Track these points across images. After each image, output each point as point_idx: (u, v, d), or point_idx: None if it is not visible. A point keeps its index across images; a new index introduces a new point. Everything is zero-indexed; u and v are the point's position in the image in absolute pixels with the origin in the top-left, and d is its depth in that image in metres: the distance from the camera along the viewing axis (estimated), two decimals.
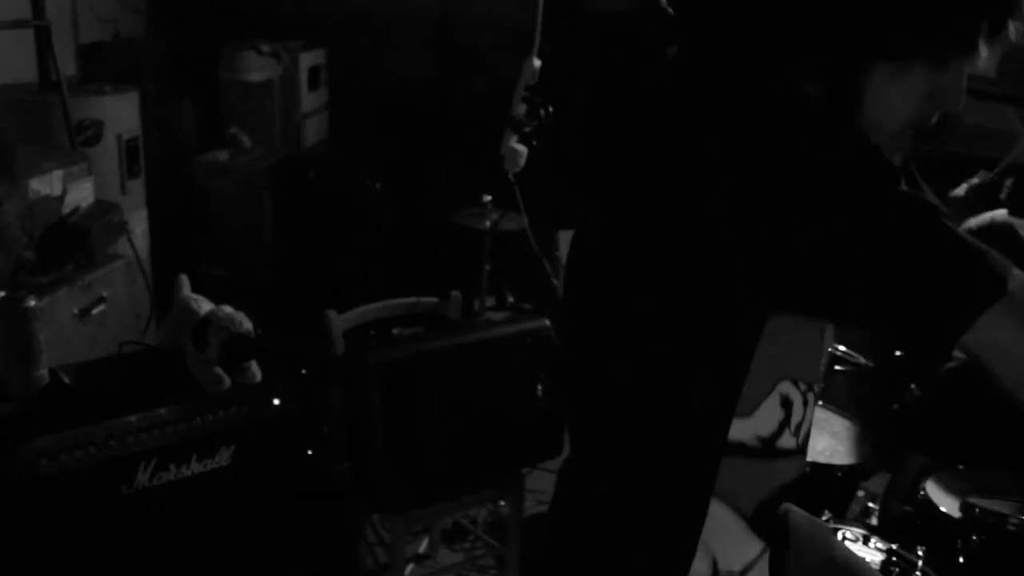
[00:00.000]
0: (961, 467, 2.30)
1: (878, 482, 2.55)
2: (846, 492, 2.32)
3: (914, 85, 0.85)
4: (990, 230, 2.64)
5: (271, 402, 1.83)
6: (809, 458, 2.22)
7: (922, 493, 2.18)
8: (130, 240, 2.89)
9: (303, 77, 3.94)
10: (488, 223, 2.88)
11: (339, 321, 2.31)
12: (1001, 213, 2.66)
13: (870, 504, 2.46)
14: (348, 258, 3.56)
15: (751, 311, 0.85)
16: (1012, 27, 0.85)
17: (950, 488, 2.18)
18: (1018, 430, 2.41)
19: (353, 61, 4.17)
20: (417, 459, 2.16)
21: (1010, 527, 1.91)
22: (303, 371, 1.96)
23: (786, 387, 0.94)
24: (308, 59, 3.99)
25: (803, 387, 0.96)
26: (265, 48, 3.83)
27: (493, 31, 3.66)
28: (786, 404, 0.95)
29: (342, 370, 2.17)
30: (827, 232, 0.78)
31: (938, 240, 0.78)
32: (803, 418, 0.97)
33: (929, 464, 2.37)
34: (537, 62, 2.20)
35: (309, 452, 1.98)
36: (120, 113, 3.13)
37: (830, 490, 2.26)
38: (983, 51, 0.86)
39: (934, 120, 0.89)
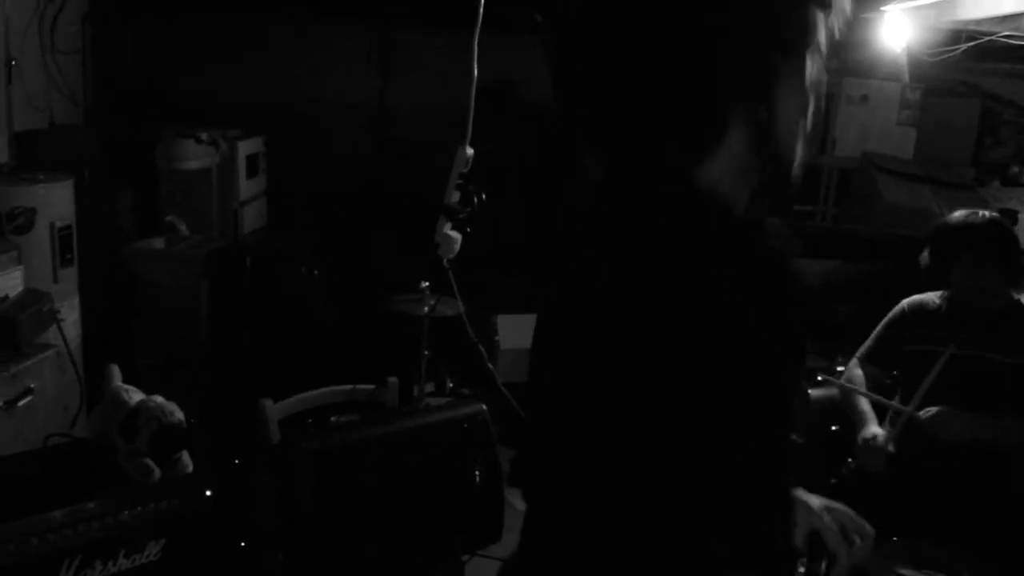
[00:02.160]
0: (895, 539, 2.33)
1: (816, 564, 2.56)
2: (788, 566, 2.33)
3: (801, 82, 0.92)
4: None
5: (203, 493, 1.79)
6: None
7: (858, 566, 2.21)
8: (60, 329, 2.83)
9: (241, 165, 3.96)
10: (425, 309, 2.90)
11: (275, 410, 2.29)
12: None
13: None
14: (286, 346, 3.53)
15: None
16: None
17: (884, 560, 2.20)
18: (951, 502, 2.47)
19: (291, 149, 4.22)
20: (353, 548, 2.12)
21: None
22: (236, 461, 1.93)
23: None
24: (247, 147, 4.02)
25: None
26: (203, 136, 3.85)
27: (428, 121, 3.75)
28: None
29: (277, 459, 2.14)
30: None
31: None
32: None
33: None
34: (470, 151, 2.26)
35: (242, 544, 1.93)
36: (53, 201, 3.10)
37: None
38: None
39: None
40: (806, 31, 0.91)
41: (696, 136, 0.90)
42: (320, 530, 2.14)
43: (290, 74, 4.35)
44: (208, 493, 1.80)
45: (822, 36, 0.93)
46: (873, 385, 2.83)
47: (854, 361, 2.89)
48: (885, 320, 2.79)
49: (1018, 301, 2.60)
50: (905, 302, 2.76)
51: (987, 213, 2.62)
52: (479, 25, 2.27)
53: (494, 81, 3.86)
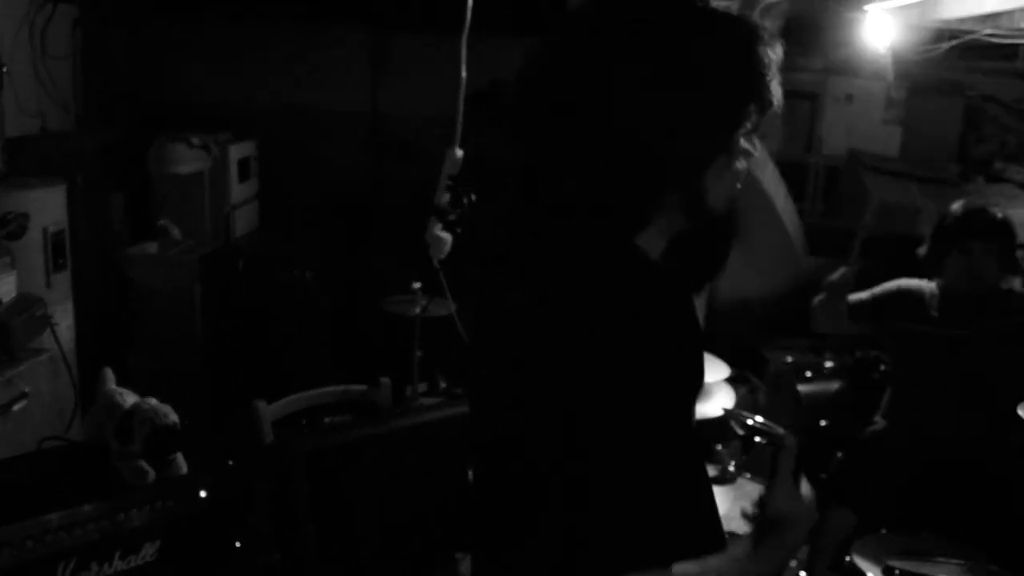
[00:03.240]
0: (884, 531, 2.37)
1: (803, 549, 2.59)
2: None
3: (732, 166, 1.03)
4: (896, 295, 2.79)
5: (197, 494, 1.81)
6: (738, 531, 2.28)
7: (848, 559, 2.24)
8: (54, 334, 2.85)
9: (233, 169, 3.98)
10: (418, 309, 2.92)
11: (268, 411, 2.31)
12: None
13: (802, 573, 2.49)
14: (279, 347, 3.55)
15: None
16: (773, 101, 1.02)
17: (874, 552, 2.24)
18: (941, 493, 2.50)
19: (283, 152, 4.23)
20: (348, 548, 2.14)
21: None
22: (230, 462, 1.95)
23: None
24: (238, 151, 4.04)
25: None
26: (195, 140, 3.87)
27: (421, 124, 3.77)
28: None
29: (270, 460, 2.16)
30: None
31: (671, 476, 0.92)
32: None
33: (854, 529, 2.44)
34: (459, 152, 2.29)
35: (237, 544, 1.95)
36: (46, 206, 3.11)
37: None
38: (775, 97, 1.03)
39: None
40: (740, 126, 1.00)
41: (639, 214, 1.00)
42: (315, 530, 2.16)
43: (282, 78, 4.36)
44: (203, 494, 1.82)
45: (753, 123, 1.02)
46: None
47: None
48: (876, 289, 2.83)
49: (1009, 290, 2.66)
50: (897, 281, 2.82)
51: (992, 207, 2.68)
52: (467, 28, 2.30)
53: (487, 83, 3.89)
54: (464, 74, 2.32)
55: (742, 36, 1.01)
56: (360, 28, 4.27)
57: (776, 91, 1.02)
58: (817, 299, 2.88)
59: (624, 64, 0.96)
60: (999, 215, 2.65)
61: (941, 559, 2.13)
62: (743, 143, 1.02)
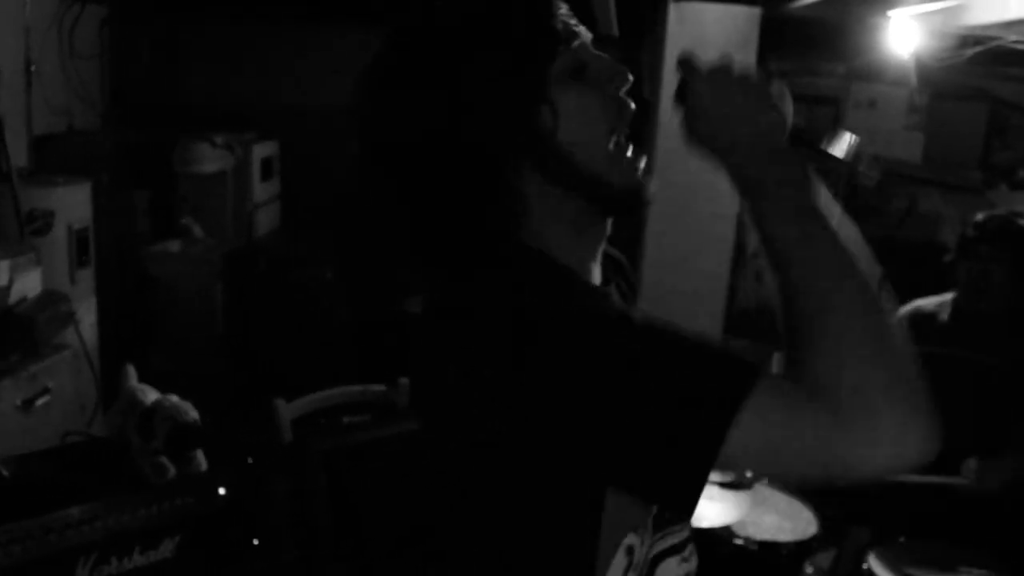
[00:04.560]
0: (902, 539, 2.35)
1: (824, 558, 2.58)
2: (792, 569, 2.35)
3: (588, 96, 0.92)
4: None
5: (217, 491, 1.83)
6: (756, 536, 2.27)
7: (865, 566, 2.23)
8: (78, 330, 2.89)
9: (256, 168, 4.01)
10: None
11: (287, 410, 2.32)
12: None
13: None
14: (299, 346, 3.57)
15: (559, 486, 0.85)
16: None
17: (891, 560, 2.23)
18: (952, 501, 2.48)
19: (305, 153, 4.26)
20: (366, 547, 2.16)
21: None
22: (249, 460, 1.96)
23: (631, 538, 0.95)
24: (261, 150, 4.07)
25: (641, 531, 0.97)
26: (218, 140, 3.90)
27: None
28: (630, 552, 0.95)
29: (289, 458, 2.18)
30: (558, 384, 0.78)
31: (666, 358, 0.77)
32: (643, 555, 0.98)
33: (872, 538, 2.42)
34: None
35: (256, 542, 1.96)
36: (71, 203, 3.15)
37: (777, 568, 2.29)
38: (579, 27, 0.94)
39: (629, 115, 0.95)
40: (542, 54, 0.90)
41: (496, 211, 0.91)
42: (332, 529, 2.17)
43: (307, 78, 4.38)
44: (222, 491, 1.83)
45: (586, 51, 0.93)
46: None
47: None
48: None
49: (1018, 309, 2.62)
50: (904, 309, 2.79)
51: (1019, 217, 2.64)
52: None
53: None
54: None
55: None
56: (383, 28, 4.29)
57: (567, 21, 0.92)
58: None
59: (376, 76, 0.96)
60: (1019, 227, 2.58)
61: (961, 569, 2.12)
62: (580, 90, 0.91)
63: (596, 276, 0.99)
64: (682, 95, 0.93)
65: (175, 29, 4.25)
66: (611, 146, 0.93)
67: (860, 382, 0.72)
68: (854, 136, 0.94)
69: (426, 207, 0.93)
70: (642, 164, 0.96)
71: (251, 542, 1.95)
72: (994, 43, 3.39)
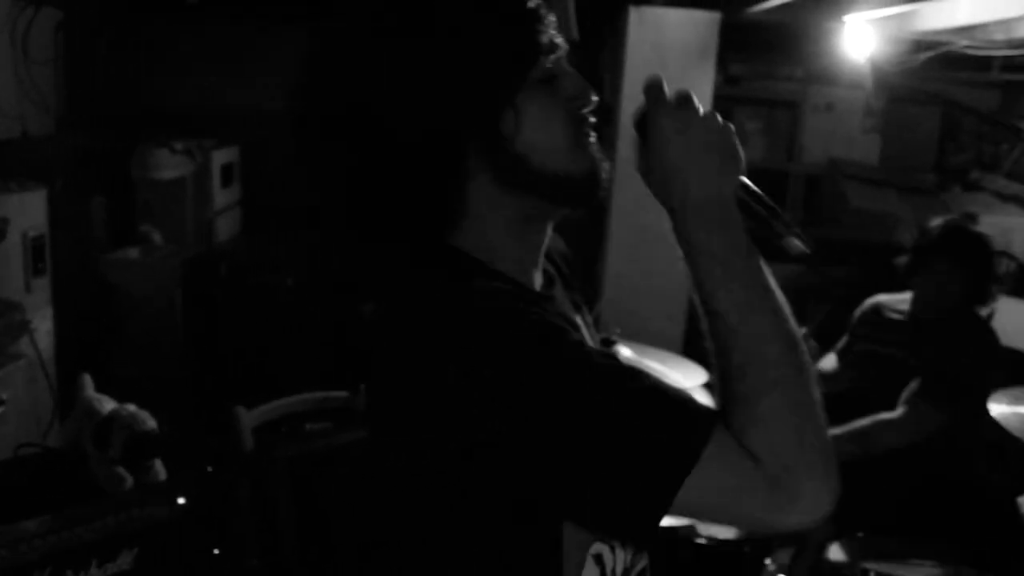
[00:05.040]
0: (861, 534, 2.39)
1: (785, 554, 2.61)
2: (754, 566, 2.37)
3: (552, 109, 0.91)
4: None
5: (176, 501, 1.80)
6: (716, 534, 2.29)
7: (826, 561, 2.26)
8: (33, 340, 2.83)
9: (216, 174, 3.97)
10: None
11: (248, 417, 2.30)
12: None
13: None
14: (261, 353, 3.54)
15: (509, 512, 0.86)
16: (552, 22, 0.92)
17: (851, 555, 2.26)
18: (910, 496, 2.53)
19: (266, 158, 4.22)
20: (330, 554, 2.14)
21: None
22: (210, 468, 1.94)
23: (597, 547, 0.94)
24: (221, 156, 4.03)
25: (611, 541, 0.96)
26: (178, 146, 3.86)
27: None
28: (600, 562, 0.94)
29: (250, 466, 2.16)
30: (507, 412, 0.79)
31: (616, 400, 0.78)
32: (615, 562, 0.97)
33: (832, 532, 2.46)
34: None
35: (216, 551, 1.94)
36: (25, 211, 3.10)
37: (739, 565, 2.31)
38: (560, 41, 0.93)
39: (591, 120, 0.95)
40: (518, 63, 0.89)
41: (430, 205, 0.91)
42: (296, 536, 2.16)
43: (267, 83, 4.32)
44: (181, 501, 1.81)
45: (557, 45, 0.92)
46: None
47: (829, 356, 2.94)
48: (851, 320, 2.86)
49: (976, 316, 2.67)
50: (868, 302, 2.84)
51: (973, 226, 2.69)
52: None
53: None
54: None
55: None
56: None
57: (552, 32, 0.92)
58: None
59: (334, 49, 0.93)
60: (971, 240, 2.61)
61: (915, 561, 2.16)
62: (546, 101, 0.91)
63: (536, 280, 0.99)
64: (642, 125, 0.93)
65: (133, 33, 4.20)
66: (569, 143, 0.93)
67: (792, 463, 0.77)
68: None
69: (368, 184, 0.91)
70: (598, 150, 0.95)
71: (213, 551, 1.93)
72: (946, 48, 3.46)
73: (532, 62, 0.90)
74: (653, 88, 0.92)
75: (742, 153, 0.92)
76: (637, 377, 0.81)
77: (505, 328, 0.82)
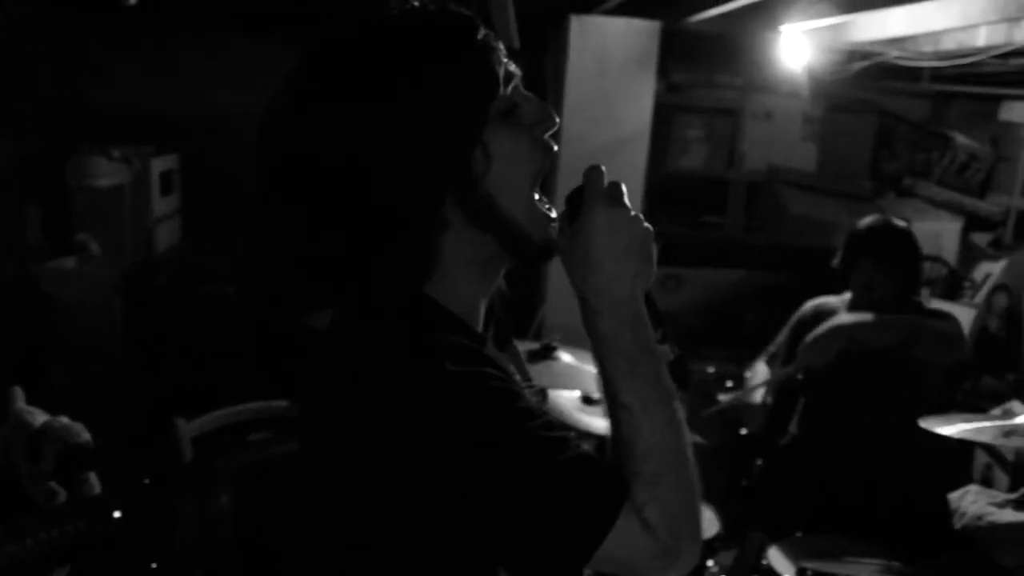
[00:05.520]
0: (799, 535, 2.44)
1: (726, 556, 2.65)
2: (696, 568, 2.41)
3: (518, 140, 0.93)
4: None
5: (111, 515, 1.77)
6: None
7: (765, 562, 2.30)
8: None
9: (155, 182, 3.91)
10: None
11: (188, 428, 2.27)
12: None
13: None
14: (202, 364, 3.49)
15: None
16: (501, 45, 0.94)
17: (789, 555, 2.31)
18: (847, 496, 2.59)
19: (206, 166, 4.17)
20: (274, 566, 2.12)
21: None
22: (146, 481, 1.91)
23: None
24: (160, 164, 3.96)
25: None
26: (115, 153, 3.79)
27: None
28: None
29: (190, 477, 2.13)
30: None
31: (536, 466, 0.86)
32: None
33: (771, 533, 2.50)
34: None
35: (154, 566, 1.91)
36: None
37: None
38: (514, 68, 0.95)
39: (552, 159, 0.97)
40: (480, 97, 0.91)
41: (411, 262, 0.92)
42: (238, 547, 2.13)
43: (207, 90, 4.29)
44: (117, 515, 1.78)
45: (518, 90, 0.94)
46: (779, 384, 2.96)
47: (761, 359, 3.00)
48: (790, 321, 2.92)
49: (915, 308, 2.75)
50: (808, 303, 2.90)
51: (898, 223, 2.76)
52: None
53: None
54: None
55: (441, 28, 0.91)
56: (287, 37, 4.24)
57: (504, 66, 0.93)
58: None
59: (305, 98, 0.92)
60: (896, 235, 2.70)
61: (850, 559, 2.21)
62: (512, 133, 0.93)
63: (481, 316, 1.02)
64: (575, 205, 0.97)
65: (70, 39, 4.12)
66: (533, 195, 0.96)
67: (680, 533, 0.89)
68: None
69: (333, 234, 0.91)
70: (553, 216, 0.99)
71: (150, 566, 1.89)
72: (878, 58, 3.56)
73: (492, 96, 0.91)
74: (593, 174, 0.96)
75: (655, 256, 0.98)
76: (567, 449, 0.88)
77: (459, 400, 0.86)
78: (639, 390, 0.91)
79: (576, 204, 0.96)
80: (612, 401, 0.93)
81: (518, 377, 1.04)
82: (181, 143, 4.15)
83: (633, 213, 0.96)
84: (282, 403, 2.39)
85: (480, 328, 1.01)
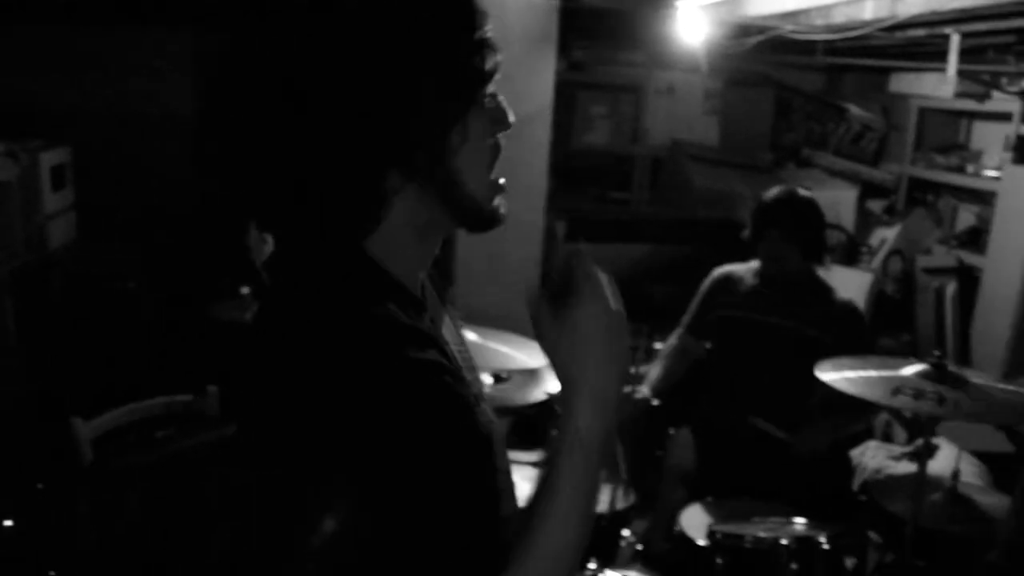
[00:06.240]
0: (710, 499, 2.50)
1: (640, 524, 2.71)
2: (611, 538, 2.45)
3: (479, 134, 0.95)
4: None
5: (1, 523, 1.70)
6: None
7: (677, 528, 2.36)
8: None
9: (45, 177, 3.74)
10: (248, 315, 2.85)
11: (86, 428, 2.19)
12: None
13: (639, 547, 2.60)
14: (102, 362, 3.37)
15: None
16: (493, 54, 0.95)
17: (700, 518, 2.37)
18: (754, 457, 2.67)
19: (102, 160, 4.01)
20: (183, 567, 2.07)
21: (746, 545, 2.10)
22: (40, 485, 1.84)
23: None
24: (50, 158, 3.79)
25: None
26: (0, 148, 3.61)
27: None
28: None
29: (89, 479, 2.06)
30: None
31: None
32: None
33: (683, 500, 2.56)
34: None
35: (52, 573, 1.85)
36: None
37: (595, 538, 2.37)
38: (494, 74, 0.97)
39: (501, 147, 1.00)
40: (480, 81, 0.94)
41: (356, 212, 0.92)
42: (143, 546, 2.07)
43: (99, 83, 4.13)
44: (8, 523, 1.71)
45: (494, 77, 0.96)
46: (693, 357, 3.02)
47: (674, 333, 3.06)
48: (700, 290, 2.98)
49: (816, 277, 2.84)
50: (716, 272, 2.97)
51: (802, 192, 2.84)
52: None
53: None
54: None
55: None
56: (184, 29, 4.10)
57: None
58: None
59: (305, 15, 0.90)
60: (801, 204, 2.78)
61: (757, 519, 2.27)
62: (493, 108, 0.96)
63: (420, 281, 1.02)
64: (560, 288, 0.96)
65: None
66: (492, 176, 0.98)
67: None
68: None
69: (302, 151, 0.89)
70: (502, 183, 1.00)
71: (47, 572, 1.83)
72: (773, 32, 3.64)
73: (486, 83, 0.94)
74: (583, 262, 0.98)
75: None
76: (477, 502, 0.89)
77: (399, 397, 0.84)
78: (567, 518, 0.91)
79: (562, 290, 0.96)
80: (534, 505, 0.92)
81: (456, 348, 1.04)
82: (74, 136, 3.99)
83: (617, 307, 0.97)
84: (186, 397, 2.33)
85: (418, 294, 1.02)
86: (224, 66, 0.97)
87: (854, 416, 2.70)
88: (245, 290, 2.86)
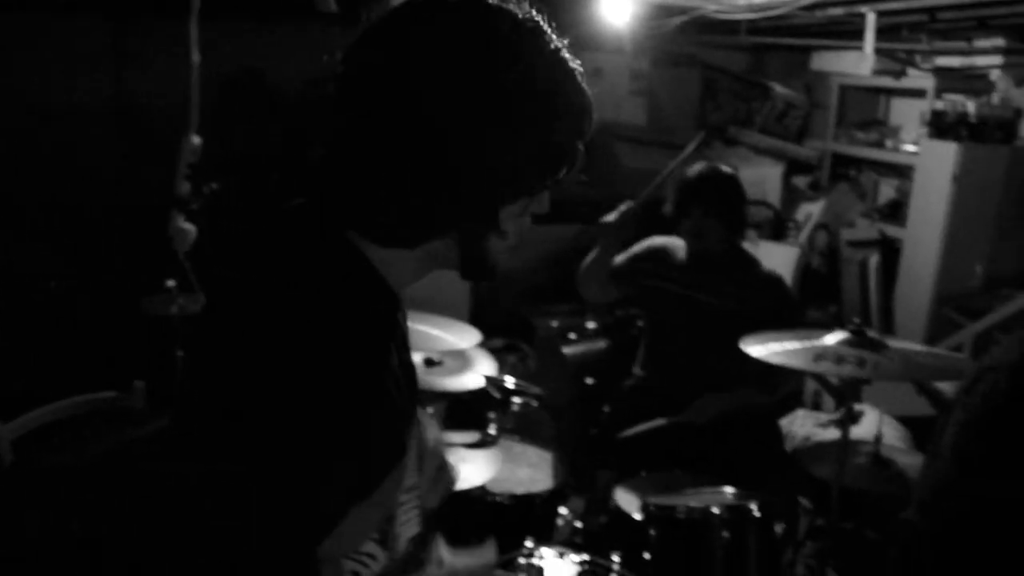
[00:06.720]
0: (644, 474, 2.54)
1: (577, 502, 2.73)
2: (548, 516, 2.47)
3: (525, 211, 1.05)
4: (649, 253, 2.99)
5: None
6: (510, 491, 2.36)
7: (612, 503, 2.39)
8: None
9: None
10: (175, 308, 2.80)
11: (6, 430, 2.13)
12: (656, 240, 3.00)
13: (577, 524, 2.63)
14: (23, 363, 3.27)
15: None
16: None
17: (634, 492, 2.40)
18: (687, 434, 2.72)
19: (16, 155, 3.88)
20: (122, 560, 2.04)
21: (679, 515, 2.14)
22: None
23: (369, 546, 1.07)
24: None
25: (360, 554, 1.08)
26: None
27: (174, 115, 3.59)
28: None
29: (10, 482, 2.01)
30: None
31: None
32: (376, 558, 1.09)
33: (617, 475, 2.60)
34: (196, 140, 2.21)
35: None
36: None
37: (533, 517, 2.39)
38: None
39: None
40: (557, 175, 1.02)
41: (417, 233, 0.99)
42: (85, 546, 2.03)
43: (11, 74, 3.99)
44: None
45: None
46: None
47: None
48: (633, 248, 3.02)
49: (741, 251, 2.90)
50: (651, 240, 3.01)
51: (724, 169, 2.88)
52: (196, 10, 2.22)
53: (242, 71, 3.73)
54: (197, 59, 2.24)
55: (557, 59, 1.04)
56: (100, 16, 3.98)
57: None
58: (589, 257, 3.02)
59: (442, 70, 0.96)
60: (723, 181, 2.83)
61: (690, 491, 2.32)
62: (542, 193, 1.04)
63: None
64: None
65: None
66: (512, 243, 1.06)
67: None
68: None
69: (416, 183, 0.95)
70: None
71: None
72: (696, 12, 3.68)
73: (564, 168, 1.03)
74: None
75: None
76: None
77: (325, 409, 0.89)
78: None
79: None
80: None
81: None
82: None
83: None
84: (110, 394, 2.28)
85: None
86: (369, 82, 0.98)
87: (759, 390, 2.77)
88: (171, 283, 2.79)
